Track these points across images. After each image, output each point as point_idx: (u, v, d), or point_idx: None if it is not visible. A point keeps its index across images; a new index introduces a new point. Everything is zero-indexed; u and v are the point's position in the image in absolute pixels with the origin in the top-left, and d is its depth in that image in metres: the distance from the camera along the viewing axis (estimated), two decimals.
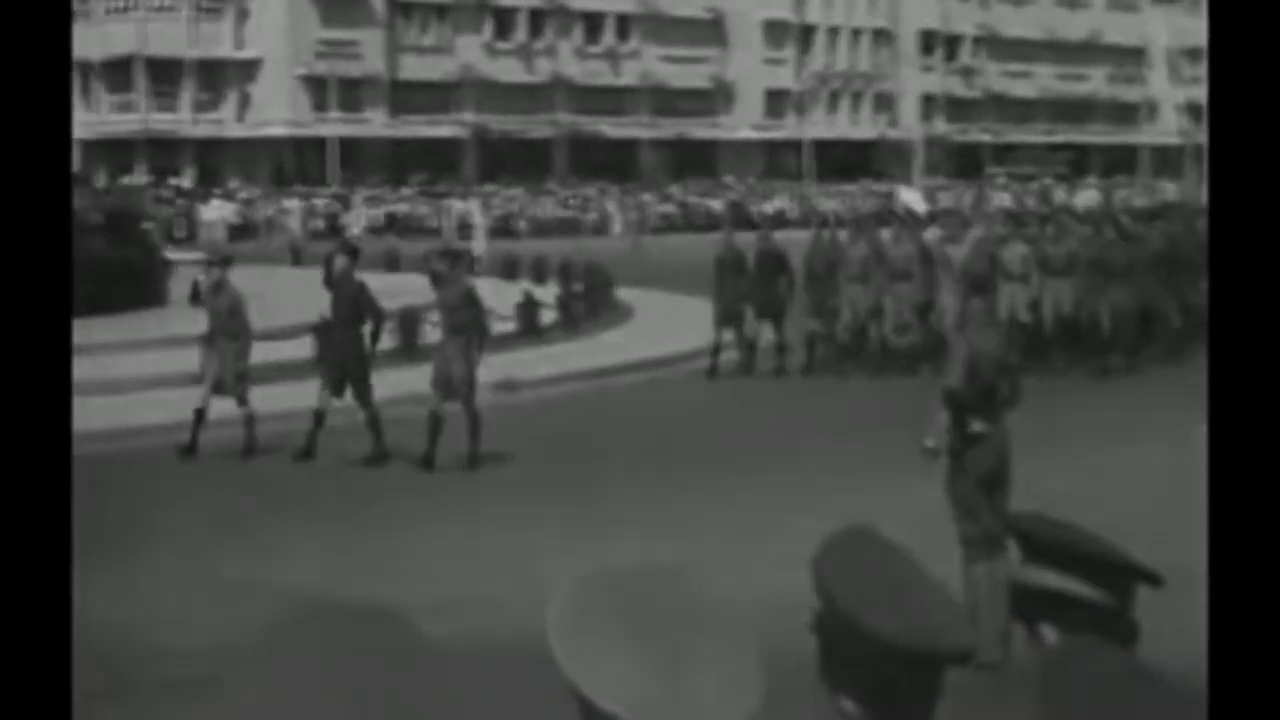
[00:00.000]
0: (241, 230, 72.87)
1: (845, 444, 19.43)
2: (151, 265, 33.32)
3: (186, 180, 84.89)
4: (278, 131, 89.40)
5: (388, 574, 13.15)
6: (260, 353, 20.54)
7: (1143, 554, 3.58)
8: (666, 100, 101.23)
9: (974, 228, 30.57)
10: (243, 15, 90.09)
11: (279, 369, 22.21)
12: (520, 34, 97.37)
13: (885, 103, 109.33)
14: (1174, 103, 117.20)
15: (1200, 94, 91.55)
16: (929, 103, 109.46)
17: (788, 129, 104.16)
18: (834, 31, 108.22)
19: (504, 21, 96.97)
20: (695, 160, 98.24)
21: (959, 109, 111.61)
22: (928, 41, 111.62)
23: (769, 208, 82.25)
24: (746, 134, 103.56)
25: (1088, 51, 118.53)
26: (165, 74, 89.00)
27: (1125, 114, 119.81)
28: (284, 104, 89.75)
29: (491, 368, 23.45)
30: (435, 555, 14.25)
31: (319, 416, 18.78)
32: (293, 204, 78.78)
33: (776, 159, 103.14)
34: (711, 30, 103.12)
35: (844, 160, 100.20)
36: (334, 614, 2.02)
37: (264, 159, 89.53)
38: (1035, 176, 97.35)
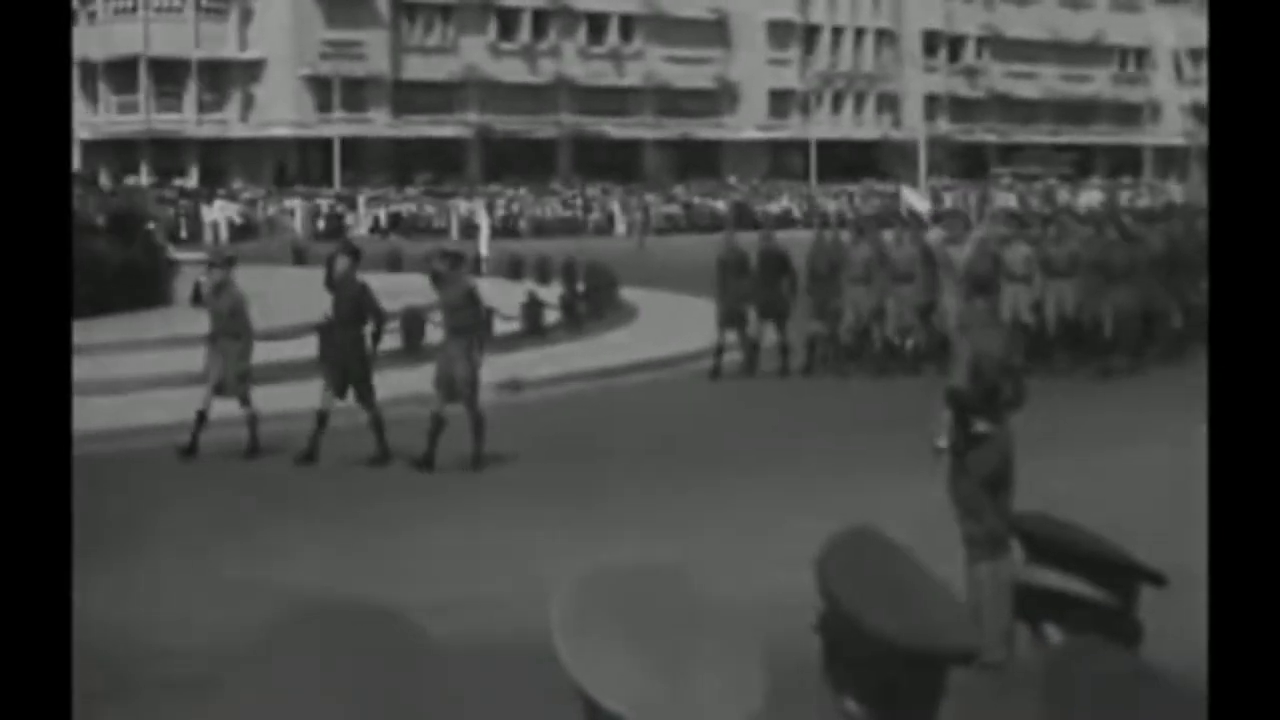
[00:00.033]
0: (245, 230, 72.93)
1: (848, 445, 19.43)
2: (156, 265, 33.34)
3: (190, 181, 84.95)
4: (282, 132, 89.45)
5: (390, 574, 13.13)
6: (264, 353, 20.54)
7: (1144, 554, 3.57)
8: (670, 101, 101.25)
9: (975, 228, 30.57)
10: (247, 16, 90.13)
11: (282, 369, 22.20)
12: (524, 34, 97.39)
13: (889, 103, 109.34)
14: (1178, 103, 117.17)
15: (1204, 95, 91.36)
16: (933, 103, 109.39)
17: (792, 129, 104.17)
18: (838, 32, 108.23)
19: (508, 22, 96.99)
20: (699, 161, 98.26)
21: (963, 109, 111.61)
22: (931, 42, 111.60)
23: (773, 208, 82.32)
24: (750, 134, 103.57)
25: (1092, 52, 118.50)
26: (169, 74, 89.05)
27: (1129, 115, 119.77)
28: (288, 104, 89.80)
29: (496, 368, 23.47)
30: (438, 555, 14.24)
31: (321, 418, 18.72)
32: (296, 204, 78.85)
33: (781, 159, 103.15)
34: (715, 31, 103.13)
35: (848, 160, 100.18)
36: (334, 614, 2.02)
37: (268, 159, 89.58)
38: (1040, 177, 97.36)
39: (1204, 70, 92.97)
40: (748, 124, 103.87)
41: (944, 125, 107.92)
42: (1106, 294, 25.87)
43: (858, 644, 2.78)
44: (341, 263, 19.55)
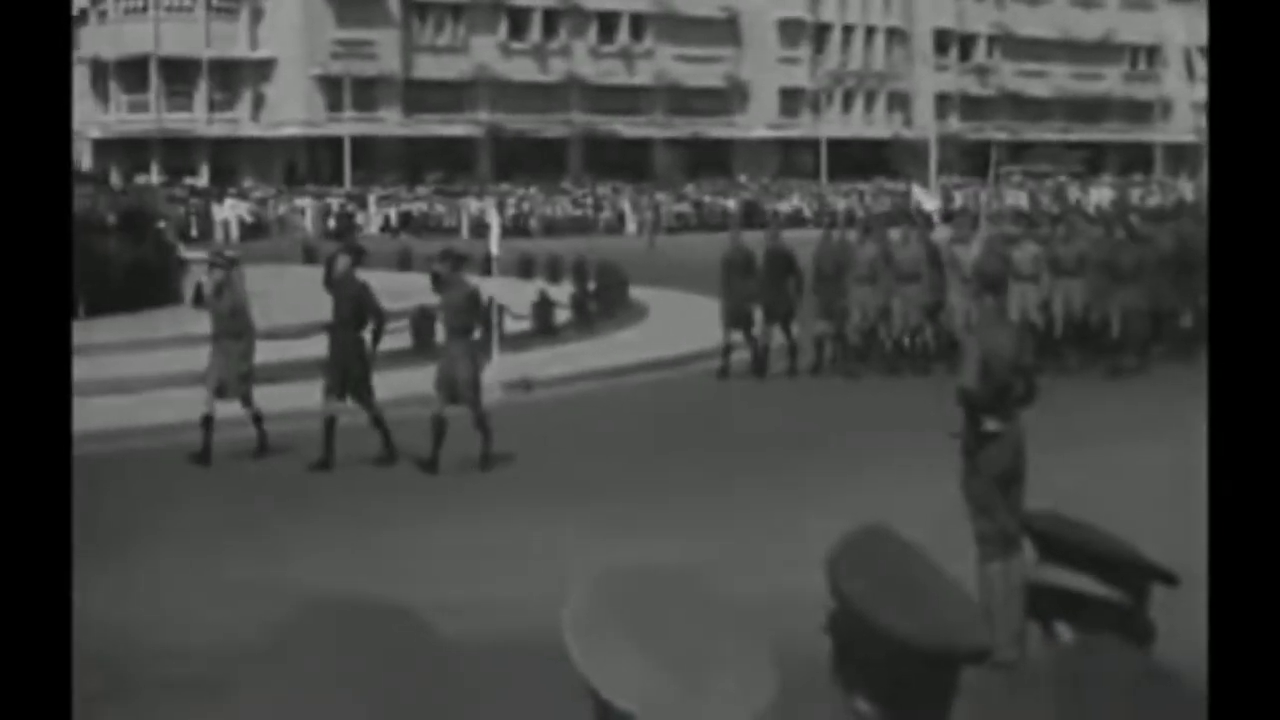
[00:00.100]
0: (255, 229, 72.97)
1: (857, 444, 19.42)
2: (166, 264, 33.38)
3: (201, 179, 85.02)
4: (292, 131, 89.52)
5: (395, 574, 13.12)
6: (274, 352, 20.50)
7: (1156, 553, 3.57)
8: (681, 99, 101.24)
9: (982, 228, 30.53)
10: (257, 15, 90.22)
11: (291, 368, 22.16)
12: (535, 34, 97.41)
13: (900, 101, 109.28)
14: (1189, 101, 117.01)
15: None
16: (943, 101, 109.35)
17: (802, 128, 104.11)
18: (849, 30, 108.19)
19: (518, 21, 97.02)
20: (710, 159, 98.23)
21: (974, 108, 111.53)
22: (942, 40, 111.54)
23: (784, 207, 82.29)
24: (761, 133, 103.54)
25: (1103, 50, 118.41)
26: (180, 74, 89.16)
27: (1140, 112, 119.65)
28: (299, 103, 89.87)
29: (507, 367, 23.47)
30: (447, 555, 14.23)
31: (329, 423, 18.55)
32: (306, 203, 78.91)
33: (791, 158, 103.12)
34: (726, 29, 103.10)
35: (859, 159, 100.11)
36: (345, 611, 2.02)
37: (278, 158, 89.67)
38: (1051, 175, 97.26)
39: None
40: (758, 123, 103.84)
41: (955, 124, 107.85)
42: (1114, 294, 25.85)
43: (869, 643, 2.78)
44: (341, 262, 19.39)
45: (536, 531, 14.94)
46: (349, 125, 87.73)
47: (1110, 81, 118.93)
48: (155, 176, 79.09)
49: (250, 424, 19.10)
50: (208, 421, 18.64)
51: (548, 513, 15.74)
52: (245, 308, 19.50)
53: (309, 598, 2.11)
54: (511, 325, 27.10)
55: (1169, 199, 74.76)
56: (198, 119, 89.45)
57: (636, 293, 36.24)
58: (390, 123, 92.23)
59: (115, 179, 49.01)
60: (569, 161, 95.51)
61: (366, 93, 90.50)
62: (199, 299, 26.81)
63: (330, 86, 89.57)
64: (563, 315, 31.65)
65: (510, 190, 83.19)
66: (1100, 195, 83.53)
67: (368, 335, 18.82)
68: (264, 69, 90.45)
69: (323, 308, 19.56)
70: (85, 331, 23.89)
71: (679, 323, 31.70)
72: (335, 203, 79.32)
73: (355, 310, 18.83)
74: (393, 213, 79.11)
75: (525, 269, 40.85)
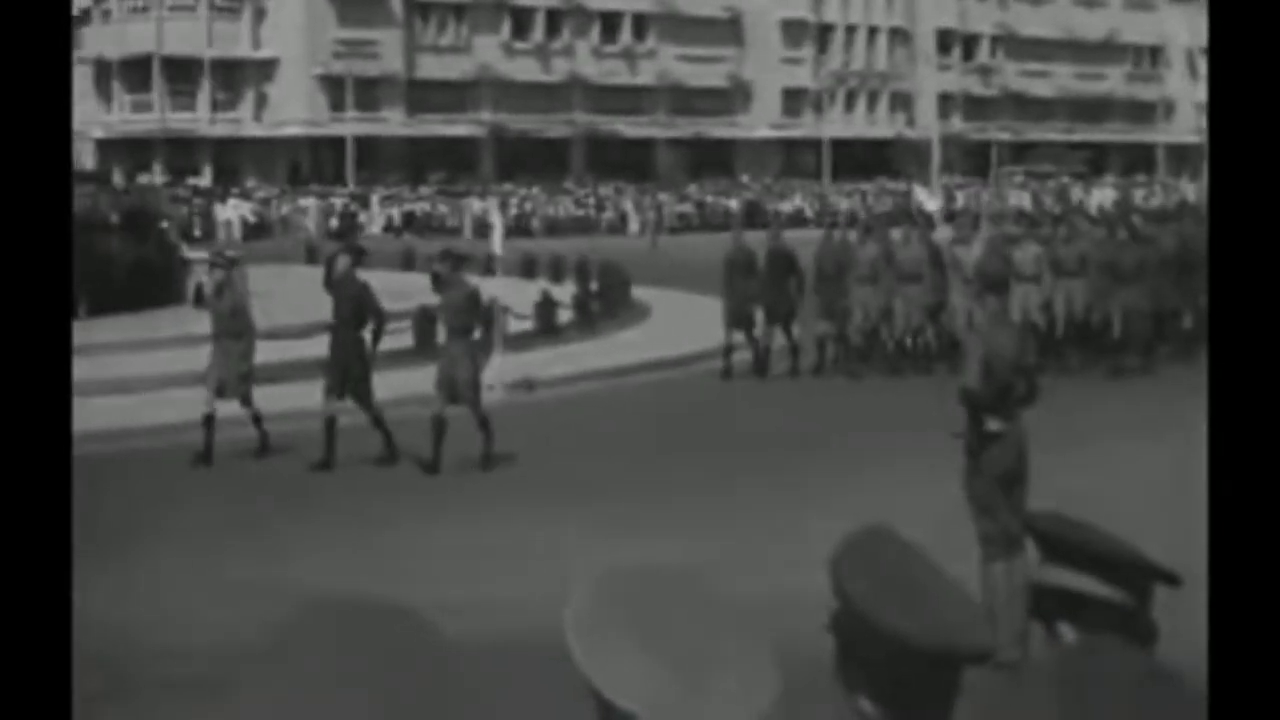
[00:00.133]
0: (258, 229, 73.00)
1: (859, 444, 19.42)
2: (170, 264, 33.39)
3: (204, 179, 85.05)
4: (295, 131, 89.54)
5: (396, 574, 13.11)
6: (276, 352, 20.47)
7: (1159, 554, 3.57)
8: (684, 99, 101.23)
9: (984, 228, 30.51)
10: (260, 15, 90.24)
11: (293, 368, 22.15)
12: (537, 34, 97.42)
13: (902, 102, 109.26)
14: (1192, 101, 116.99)
15: None
16: (946, 102, 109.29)
17: (805, 128, 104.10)
18: (851, 30, 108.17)
19: (521, 21, 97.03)
20: (712, 159, 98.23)
21: (976, 108, 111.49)
22: (945, 40, 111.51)
23: (786, 207, 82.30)
24: (764, 133, 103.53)
25: (1105, 50, 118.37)
26: (183, 73, 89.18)
27: (1143, 113, 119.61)
28: (301, 103, 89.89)
29: (509, 367, 23.47)
30: (448, 556, 14.22)
31: (330, 423, 18.50)
32: (309, 203, 78.93)
33: (794, 158, 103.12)
34: (729, 29, 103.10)
35: (861, 159, 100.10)
36: (346, 611, 2.02)
37: (281, 158, 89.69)
38: (1053, 175, 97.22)
39: None
40: (761, 123, 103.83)
41: (958, 124, 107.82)
42: (1115, 294, 25.84)
43: (872, 644, 2.77)
44: (341, 262, 19.32)
45: (538, 531, 14.93)
46: (352, 125, 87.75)
47: (1113, 82, 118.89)
48: (158, 176, 79.00)
49: (251, 424, 19.08)
50: (209, 421, 18.60)
51: (549, 513, 15.73)
52: (245, 308, 19.46)
53: (309, 597, 2.11)
54: (514, 325, 27.09)
55: (1171, 200, 74.70)
56: (200, 119, 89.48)
57: (639, 293, 36.25)
58: (393, 123, 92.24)
59: (118, 179, 48.94)
60: (572, 161, 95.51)
61: (369, 92, 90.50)
62: (199, 299, 26.83)
63: (333, 86, 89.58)
64: (565, 315, 31.65)
65: (513, 190, 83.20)
66: (1102, 196, 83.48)
67: (368, 335, 18.76)
68: (267, 69, 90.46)
69: (325, 308, 19.52)
70: (88, 331, 23.92)
71: (681, 323, 31.70)
72: (338, 203, 79.34)
73: (355, 310, 18.75)
74: (396, 213, 79.15)
75: (528, 269, 40.87)
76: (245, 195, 79.28)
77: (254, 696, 1.94)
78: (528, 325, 29.23)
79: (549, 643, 2.44)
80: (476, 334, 18.71)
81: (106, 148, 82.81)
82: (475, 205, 76.65)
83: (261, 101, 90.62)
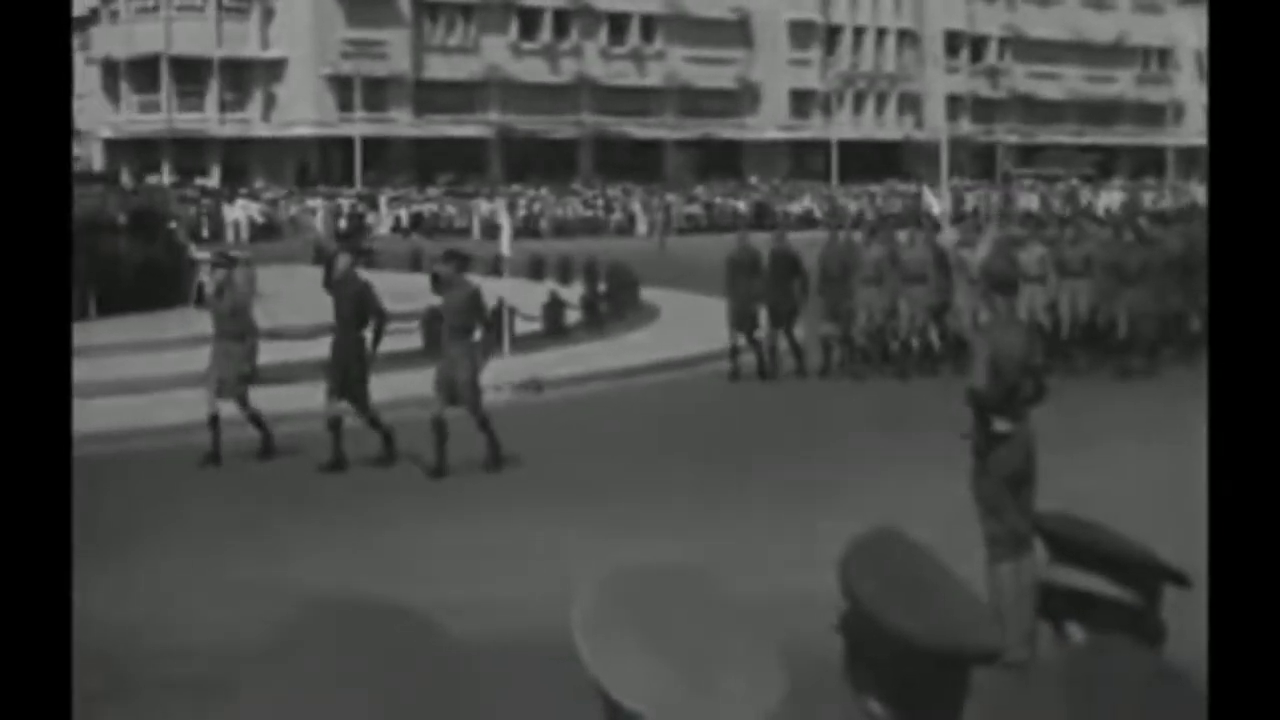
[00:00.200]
0: (266, 230, 73.09)
1: (865, 445, 19.41)
2: (178, 264, 33.44)
3: (212, 180, 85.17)
4: (303, 131, 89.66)
5: (398, 574, 13.10)
6: (279, 353, 20.44)
7: (1170, 554, 3.55)
8: (692, 101, 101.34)
9: (989, 229, 30.50)
10: (268, 15, 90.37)
11: (296, 369, 22.11)
12: (545, 34, 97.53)
13: (911, 103, 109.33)
14: (1201, 104, 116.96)
15: None
16: (955, 104, 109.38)
17: (813, 129, 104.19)
18: (859, 32, 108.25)
19: (529, 22, 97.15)
20: (720, 161, 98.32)
21: (985, 110, 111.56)
22: (953, 42, 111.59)
23: (795, 208, 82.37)
24: (772, 134, 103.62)
25: (1114, 53, 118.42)
26: (191, 73, 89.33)
27: (1152, 115, 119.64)
28: (309, 104, 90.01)
29: (517, 368, 23.49)
30: (447, 555, 14.20)
31: (335, 424, 18.41)
32: (317, 204, 79.02)
33: (802, 159, 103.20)
34: (737, 31, 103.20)
35: (870, 161, 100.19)
36: (347, 611, 2.01)
37: (289, 159, 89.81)
38: (1062, 178, 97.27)
39: None
40: (769, 124, 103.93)
41: (966, 126, 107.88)
42: (1121, 295, 25.85)
43: (880, 644, 2.76)
44: (342, 262, 19.22)
45: (539, 532, 14.92)
46: (360, 126, 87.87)
47: (1122, 84, 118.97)
48: (166, 177, 79.19)
49: (249, 425, 19.01)
50: (215, 422, 18.56)
51: (551, 513, 15.72)
52: (247, 308, 19.39)
53: (311, 597, 2.10)
54: (522, 326, 27.11)
55: (1180, 202, 74.72)
56: (209, 119, 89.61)
57: (647, 294, 36.27)
58: (401, 123, 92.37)
59: (126, 179, 49.09)
60: (580, 163, 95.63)
61: (377, 93, 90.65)
62: (200, 299, 26.85)
63: (341, 87, 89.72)
64: (573, 316, 31.67)
65: (521, 191, 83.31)
66: (1111, 199, 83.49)
67: (368, 335, 18.62)
68: (275, 69, 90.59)
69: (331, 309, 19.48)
70: (95, 331, 23.96)
71: (689, 324, 31.70)
72: (346, 203, 79.42)
73: (356, 310, 18.60)
74: (404, 214, 79.26)
75: (536, 270, 40.91)
76: (253, 196, 79.38)
77: (254, 696, 1.93)
78: (536, 326, 29.25)
79: (549, 643, 2.43)
80: (477, 335, 18.53)
81: (114, 148, 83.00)
82: (483, 206, 76.72)
83: (269, 102, 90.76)
